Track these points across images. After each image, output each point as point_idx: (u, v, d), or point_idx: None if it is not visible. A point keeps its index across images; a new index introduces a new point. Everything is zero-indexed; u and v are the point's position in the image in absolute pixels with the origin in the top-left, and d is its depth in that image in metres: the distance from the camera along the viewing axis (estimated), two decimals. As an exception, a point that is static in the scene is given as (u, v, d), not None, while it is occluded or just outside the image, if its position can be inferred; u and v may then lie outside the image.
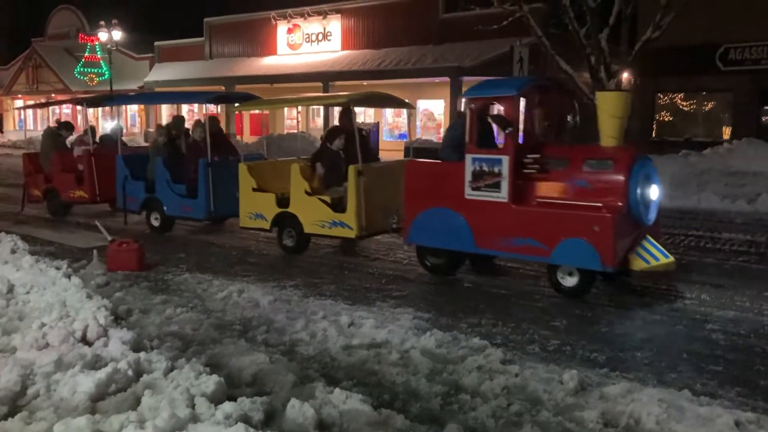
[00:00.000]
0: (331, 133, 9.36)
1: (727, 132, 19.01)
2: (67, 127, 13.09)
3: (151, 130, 34.50)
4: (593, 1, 16.47)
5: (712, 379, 4.71)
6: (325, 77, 25.51)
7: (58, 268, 6.85)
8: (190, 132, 11.02)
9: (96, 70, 38.52)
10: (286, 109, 32.45)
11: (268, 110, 27.66)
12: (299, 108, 29.10)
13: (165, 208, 10.41)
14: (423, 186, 7.56)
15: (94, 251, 8.08)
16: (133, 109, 38.34)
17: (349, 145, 8.78)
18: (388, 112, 27.79)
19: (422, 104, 27.23)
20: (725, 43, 18.04)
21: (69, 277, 6.51)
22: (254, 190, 9.16)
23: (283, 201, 8.93)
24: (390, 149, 24.34)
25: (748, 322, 5.89)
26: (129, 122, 38.79)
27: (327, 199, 8.55)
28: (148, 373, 4.45)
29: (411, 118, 13.75)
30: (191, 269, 8.03)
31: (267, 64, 29.30)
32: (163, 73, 33.39)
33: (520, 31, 17.99)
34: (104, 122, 35.80)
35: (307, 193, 8.69)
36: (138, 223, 11.24)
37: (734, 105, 18.24)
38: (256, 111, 33.15)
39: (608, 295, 6.78)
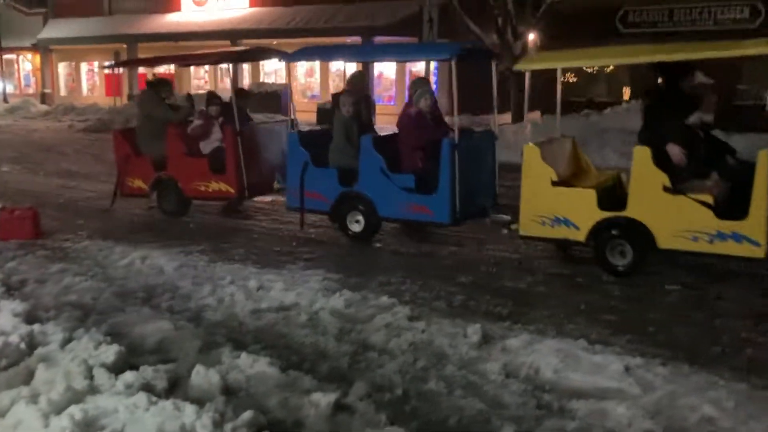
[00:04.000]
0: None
1: (627, 93, 19.77)
2: (166, 86, 9.38)
3: (48, 91, 32.54)
4: (500, -38, 16.62)
5: (606, 328, 4.96)
6: (233, 35, 24.70)
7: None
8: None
9: (-18, 25, 35.77)
10: (193, 66, 31.29)
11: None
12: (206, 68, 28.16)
13: (377, 207, 7.25)
14: None
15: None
16: (26, 67, 35.94)
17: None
18: (300, 72, 27.28)
19: (334, 64, 26.86)
20: (625, 5, 18.67)
21: (-46, 247, 6.12)
22: (554, 183, 6.29)
23: (609, 200, 6.24)
24: (302, 110, 23.96)
25: (642, 274, 6.22)
26: (22, 83, 36.36)
27: (707, 198, 5.66)
28: (43, 345, 4.28)
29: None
30: (92, 236, 7.69)
31: (171, 21, 28.05)
32: (58, 29, 31.37)
33: (431, -9, 17.95)
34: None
35: (667, 189, 5.76)
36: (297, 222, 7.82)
37: (633, 67, 18.96)
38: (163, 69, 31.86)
39: (514, 252, 6.99)
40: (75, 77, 34.44)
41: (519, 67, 6.66)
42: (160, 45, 28.79)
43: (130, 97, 24.05)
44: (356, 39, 21.72)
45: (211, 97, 8.95)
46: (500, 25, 17.26)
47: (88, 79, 34.31)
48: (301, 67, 26.19)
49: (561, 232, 6.28)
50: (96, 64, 33.00)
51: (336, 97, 8.09)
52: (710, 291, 5.72)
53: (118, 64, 10.72)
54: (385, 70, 24.92)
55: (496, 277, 6.24)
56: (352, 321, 4.98)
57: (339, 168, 7.41)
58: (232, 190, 8.32)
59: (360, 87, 8.38)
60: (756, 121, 14.66)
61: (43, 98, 32.48)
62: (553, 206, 6.27)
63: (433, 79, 21.53)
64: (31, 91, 34.94)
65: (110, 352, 4.08)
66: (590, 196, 6.15)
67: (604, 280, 6.07)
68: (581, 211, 6.16)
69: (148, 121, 8.90)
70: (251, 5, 26.44)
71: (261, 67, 27.29)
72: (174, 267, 6.37)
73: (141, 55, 28.95)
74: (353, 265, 6.59)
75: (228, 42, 24.81)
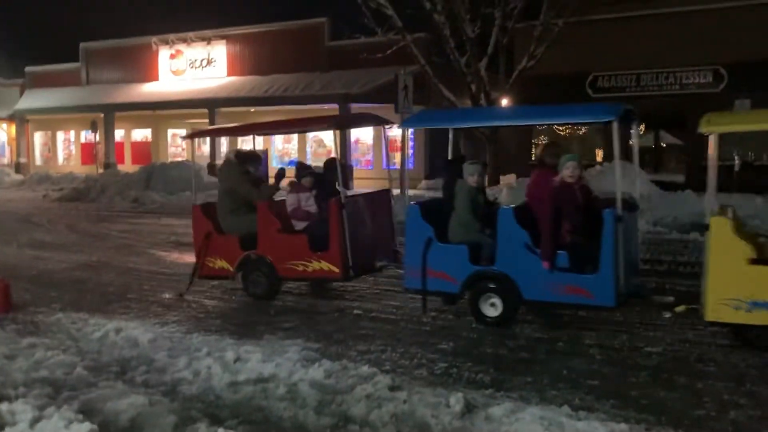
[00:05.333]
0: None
1: (600, 154, 20.23)
2: (255, 161, 8.51)
3: (23, 160, 32.44)
4: (472, 32, 17.18)
5: (589, 394, 4.91)
6: (211, 103, 25.01)
7: None
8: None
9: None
10: (170, 134, 31.51)
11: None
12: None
13: (521, 288, 6.40)
14: None
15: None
16: (1, 137, 35.84)
17: None
18: (278, 139, 27.56)
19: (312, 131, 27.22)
20: (594, 71, 19.31)
21: None
22: (754, 262, 5.51)
23: None
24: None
25: (622, 336, 6.21)
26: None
27: None
28: (11, 425, 4.13)
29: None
30: (65, 308, 7.53)
31: (148, 90, 28.36)
32: (35, 99, 31.53)
33: (405, 60, 18.46)
34: None
35: None
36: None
37: (604, 129, 19.46)
38: (142, 139, 32.02)
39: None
40: (51, 147, 34.44)
41: (706, 129, 5.72)
42: (138, 114, 29.10)
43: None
44: (333, 107, 22.09)
45: (302, 167, 8.15)
46: (474, 91, 17.70)
47: (64, 148, 34.32)
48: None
49: (762, 318, 5.51)
50: (72, 133, 33.10)
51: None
52: (691, 353, 5.72)
53: (195, 135, 9.25)
54: (361, 135, 25.28)
55: (477, 342, 6.19)
56: (332, 392, 4.87)
57: (467, 244, 6.62)
58: (336, 270, 7.40)
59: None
60: (726, 181, 15.01)
61: (18, 168, 32.33)
62: (752, 288, 5.48)
63: (410, 144, 21.91)
64: (5, 161, 34.77)
65: (82, 430, 3.94)
66: None
67: (585, 343, 6.05)
68: None
69: (230, 196, 8.09)
70: (229, 74, 26.89)
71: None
72: (149, 339, 6.22)
73: (119, 124, 29.20)
74: (332, 334, 6.50)
75: (206, 110, 25.10)
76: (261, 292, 7.78)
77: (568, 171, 6.31)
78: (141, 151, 31.57)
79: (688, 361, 5.57)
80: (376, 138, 24.58)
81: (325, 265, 7.43)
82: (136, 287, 8.75)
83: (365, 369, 5.25)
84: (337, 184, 7.83)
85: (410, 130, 18.33)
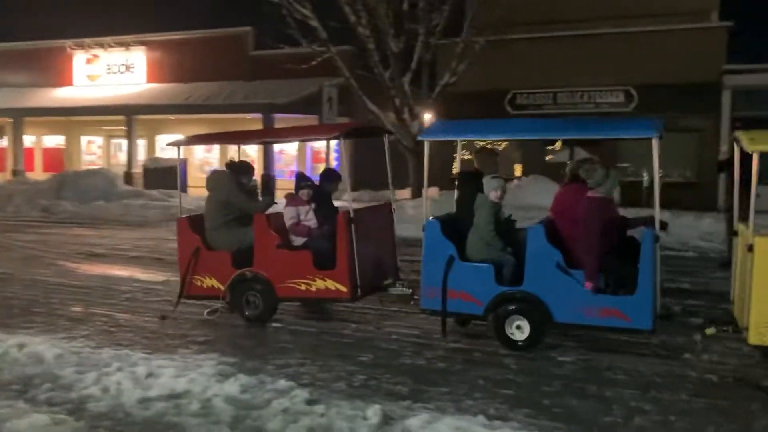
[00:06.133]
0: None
1: (519, 169, 20.80)
2: (249, 171, 7.86)
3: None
4: (395, 47, 17.39)
5: (504, 403, 5.00)
6: (128, 110, 24.22)
7: None
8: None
9: None
10: (84, 141, 30.31)
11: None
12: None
13: (552, 310, 6.05)
14: None
15: None
16: None
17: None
18: (198, 147, 26.95)
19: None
20: (513, 89, 19.88)
21: None
22: None
23: None
24: (201, 185, 23.58)
25: (537, 347, 6.36)
26: None
27: None
28: None
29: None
30: (-38, 323, 7.07)
31: (62, 95, 27.20)
32: (-65, 102, 29.67)
33: (330, 72, 18.47)
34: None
35: None
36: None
37: (522, 145, 20.04)
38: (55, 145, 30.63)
39: (413, 327, 7.00)
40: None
41: (752, 148, 5.60)
42: (50, 120, 27.86)
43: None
44: (256, 116, 21.83)
45: (301, 179, 7.53)
46: (398, 106, 17.89)
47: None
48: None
49: None
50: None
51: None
52: (601, 362, 5.92)
53: (185, 142, 8.38)
54: (285, 145, 25.07)
55: (396, 354, 6.20)
56: (248, 407, 4.77)
57: (489, 263, 6.25)
58: (344, 290, 6.80)
59: (491, 166, 6.99)
60: (636, 197, 15.74)
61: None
62: None
63: (334, 155, 21.89)
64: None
65: (-26, 455, 3.69)
66: None
67: (501, 353, 6.16)
68: None
69: (223, 208, 7.43)
70: (148, 81, 26.15)
71: (156, 142, 26.81)
72: (55, 354, 5.91)
73: (29, 130, 27.86)
74: (250, 348, 6.37)
75: (123, 117, 24.31)
76: (256, 314, 7.13)
77: (608, 187, 6.01)
78: (53, 158, 30.18)
79: (598, 369, 5.76)
80: (300, 149, 24.44)
81: (331, 284, 6.84)
82: (42, 300, 8.32)
83: (282, 383, 5.17)
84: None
85: (335, 142, 18.36)
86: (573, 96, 19.51)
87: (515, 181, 18.07)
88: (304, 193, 7.29)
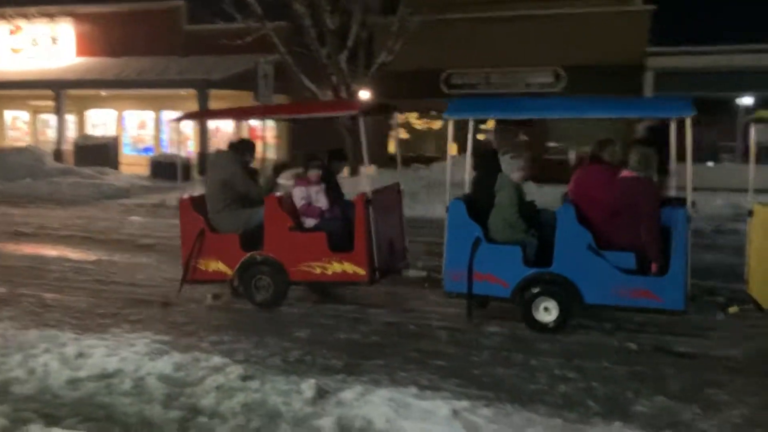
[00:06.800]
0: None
1: (454, 149, 21.07)
2: (251, 150, 7.54)
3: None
4: (332, 24, 17.24)
5: (435, 374, 5.15)
6: (57, 85, 23.27)
7: None
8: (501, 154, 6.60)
9: None
10: (9, 117, 28.99)
11: None
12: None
13: (582, 292, 6.00)
14: None
15: None
16: None
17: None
18: (130, 124, 26.18)
19: (167, 115, 26.09)
20: (448, 68, 20.03)
21: None
22: None
23: None
24: (133, 163, 22.99)
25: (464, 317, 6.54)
26: None
27: None
28: None
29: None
30: None
31: (-20, 68, 25.89)
32: None
33: (266, 48, 18.18)
34: None
35: None
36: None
37: (457, 124, 20.30)
38: None
39: (350, 303, 7.08)
40: None
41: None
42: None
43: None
44: (191, 92, 21.34)
45: (311, 158, 7.28)
46: (335, 84, 17.79)
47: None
48: (132, 117, 25.23)
49: None
50: None
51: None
52: (529, 333, 6.14)
53: (190, 116, 7.90)
54: (222, 123, 24.62)
55: (332, 329, 6.28)
56: (181, 385, 4.76)
57: (514, 244, 6.16)
58: (362, 272, 6.62)
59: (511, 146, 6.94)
60: (562, 174, 16.18)
61: None
62: None
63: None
64: None
65: None
66: None
67: (434, 326, 6.32)
68: None
69: (225, 189, 7.14)
70: (78, 55, 25.17)
71: (86, 119, 25.91)
72: (-24, 337, 5.74)
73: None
74: (184, 325, 6.34)
75: (50, 92, 23.37)
76: (267, 299, 6.89)
77: (643, 166, 5.98)
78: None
79: (524, 340, 5.98)
80: (238, 127, 24.06)
81: (349, 267, 6.64)
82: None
83: (217, 360, 5.17)
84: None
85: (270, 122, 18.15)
86: (505, 76, 19.82)
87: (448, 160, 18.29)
88: (314, 174, 7.10)
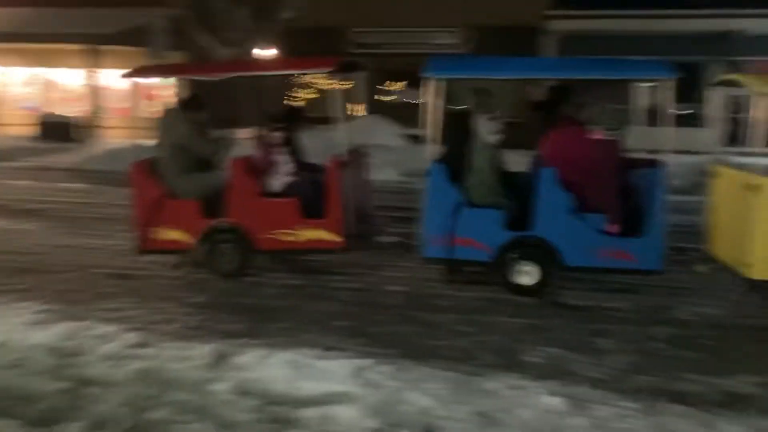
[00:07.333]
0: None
1: (362, 108, 20.97)
2: (202, 105, 6.86)
3: None
4: (232, -24, 16.64)
5: (339, 334, 5.16)
6: None
7: None
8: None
9: None
10: None
11: None
12: None
13: (564, 255, 5.98)
14: None
15: None
16: None
17: None
18: (16, 83, 24.38)
19: (50, 73, 24.45)
20: (354, 27, 19.82)
21: None
22: None
23: None
24: (15, 123, 21.51)
25: (369, 277, 6.57)
26: None
27: None
28: None
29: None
30: None
31: None
32: None
33: (163, 2, 17.34)
34: None
35: None
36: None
37: (368, 84, 20.21)
38: None
39: (253, 268, 6.95)
40: None
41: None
42: None
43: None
44: (80, 47, 20.09)
45: (274, 119, 6.99)
46: (235, 41, 17.24)
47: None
48: (17, 74, 23.51)
49: None
50: None
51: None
52: (430, 291, 6.25)
53: (135, 73, 7.05)
54: (113, 82, 23.36)
55: (231, 293, 6.16)
56: (72, 354, 4.55)
57: (493, 208, 6.05)
58: (338, 239, 6.32)
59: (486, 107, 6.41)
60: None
61: None
62: None
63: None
64: None
65: None
66: None
67: (335, 287, 6.32)
68: None
69: (179, 152, 6.60)
70: (-51, 4, 23.07)
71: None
72: None
73: None
74: (75, 293, 6.04)
75: None
76: (232, 268, 6.51)
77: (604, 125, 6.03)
78: None
79: (426, 297, 6.09)
80: (134, 86, 22.91)
81: (324, 234, 6.35)
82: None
83: (111, 328, 4.99)
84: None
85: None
86: (413, 36, 19.84)
87: (356, 120, 18.22)
88: (279, 137, 6.75)
